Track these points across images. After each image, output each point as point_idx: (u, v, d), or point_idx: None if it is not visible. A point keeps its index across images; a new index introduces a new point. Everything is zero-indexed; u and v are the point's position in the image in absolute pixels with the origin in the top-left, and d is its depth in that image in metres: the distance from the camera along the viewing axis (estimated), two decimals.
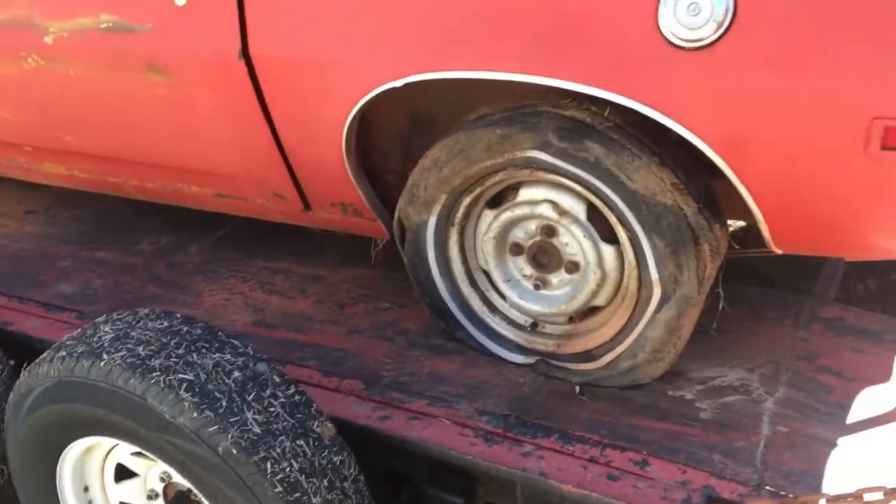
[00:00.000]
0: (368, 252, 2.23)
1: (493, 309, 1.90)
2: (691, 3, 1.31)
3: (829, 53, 1.27)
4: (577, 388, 1.78)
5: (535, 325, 1.88)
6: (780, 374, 1.79)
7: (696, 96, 1.37)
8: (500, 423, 1.69)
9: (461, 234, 1.85)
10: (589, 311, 1.81)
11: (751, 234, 1.83)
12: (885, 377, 1.79)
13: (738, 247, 1.65)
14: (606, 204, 1.61)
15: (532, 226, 1.76)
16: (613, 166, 1.55)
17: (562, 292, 1.79)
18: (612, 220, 1.63)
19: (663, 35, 1.35)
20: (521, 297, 1.84)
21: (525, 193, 1.73)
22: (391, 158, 1.99)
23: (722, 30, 1.31)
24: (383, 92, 1.63)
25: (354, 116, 1.70)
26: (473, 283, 1.90)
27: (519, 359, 1.87)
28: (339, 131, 1.74)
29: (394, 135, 1.96)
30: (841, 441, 1.61)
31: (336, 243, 2.42)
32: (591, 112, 1.55)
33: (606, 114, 1.54)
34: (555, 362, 1.84)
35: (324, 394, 1.82)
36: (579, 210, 1.68)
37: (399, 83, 1.58)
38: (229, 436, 1.39)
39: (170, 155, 2.07)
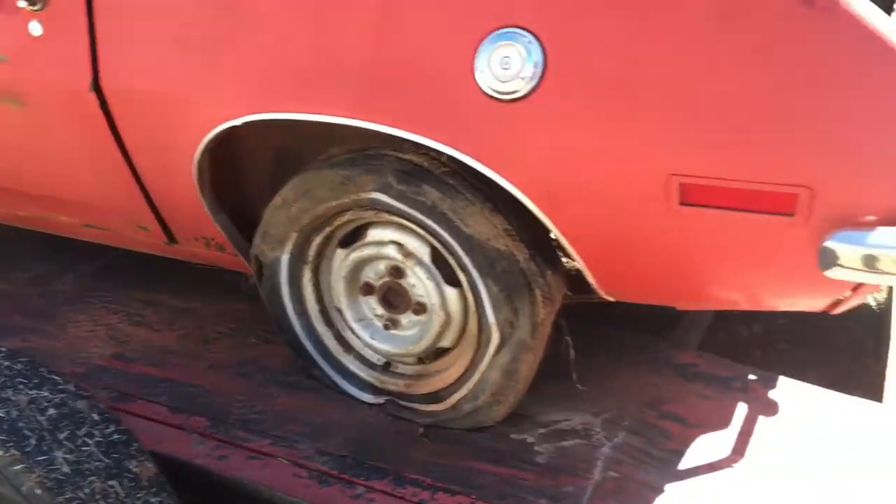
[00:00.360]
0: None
1: (347, 348, 1.90)
2: (504, 57, 1.34)
3: (629, 110, 1.30)
4: (421, 430, 1.78)
5: (387, 364, 1.88)
6: (623, 420, 1.81)
7: (513, 147, 1.39)
8: (337, 465, 1.68)
9: (315, 272, 1.85)
10: (438, 353, 1.81)
11: None
12: (724, 424, 1.83)
13: (570, 294, 1.67)
14: (445, 247, 1.63)
15: (381, 266, 1.77)
16: (449, 211, 1.57)
17: (411, 333, 1.80)
18: (452, 263, 1.65)
19: (480, 86, 1.38)
20: (372, 337, 1.84)
21: (373, 234, 1.74)
22: (260, 194, 1.99)
23: (532, 83, 1.34)
24: (249, 127, 1.63)
25: (203, 153, 1.70)
26: (328, 322, 1.89)
27: (370, 398, 1.87)
28: (190, 167, 1.74)
29: (262, 170, 1.96)
30: (668, 487, 1.64)
31: (214, 276, 2.39)
32: (428, 157, 1.57)
33: (443, 159, 1.56)
34: (404, 403, 1.84)
35: (167, 431, 1.80)
36: (423, 252, 1.69)
37: (238, 122, 1.59)
38: (34, 475, 1.36)
39: (34, 184, 2.05)
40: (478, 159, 1.41)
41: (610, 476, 1.65)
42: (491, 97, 1.37)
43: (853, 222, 1.21)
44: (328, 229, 1.77)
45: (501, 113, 1.37)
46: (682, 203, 1.31)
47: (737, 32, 1.23)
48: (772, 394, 1.94)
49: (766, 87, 1.22)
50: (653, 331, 2.19)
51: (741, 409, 1.87)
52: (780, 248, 1.31)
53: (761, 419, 1.86)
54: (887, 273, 1.19)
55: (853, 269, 1.21)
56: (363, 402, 1.87)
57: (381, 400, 1.86)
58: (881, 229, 1.19)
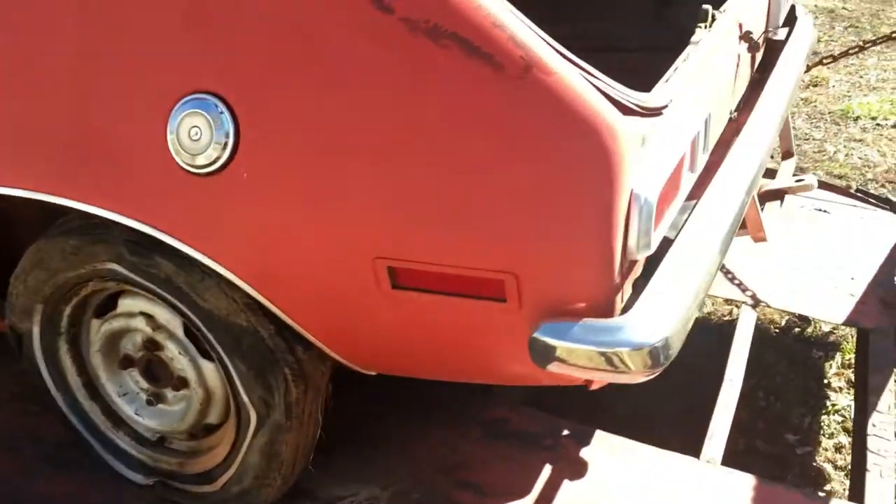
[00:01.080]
0: None
1: (118, 423, 1.73)
2: (193, 127, 1.19)
3: (327, 189, 1.16)
4: None
5: (161, 440, 1.72)
6: (413, 492, 1.68)
7: (212, 224, 1.24)
8: None
9: (74, 343, 1.68)
10: (210, 428, 1.66)
11: None
12: (525, 490, 1.70)
13: (323, 369, 1.52)
14: (191, 322, 1.48)
15: (138, 338, 1.61)
16: (184, 284, 1.41)
17: (178, 408, 1.64)
18: (201, 338, 1.50)
19: (175, 160, 1.22)
20: (136, 413, 1.68)
21: (124, 304, 1.58)
22: None
23: (226, 156, 1.19)
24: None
25: None
26: (95, 396, 1.72)
27: (140, 479, 1.71)
28: None
29: (33, 231, 1.79)
30: None
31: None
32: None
33: None
34: (176, 484, 1.68)
35: None
36: (175, 325, 1.54)
37: None
38: None
39: None
40: (175, 237, 1.26)
41: None
42: (185, 170, 1.22)
43: (561, 312, 1.08)
44: (76, 299, 1.60)
45: (197, 187, 1.22)
46: (395, 286, 1.17)
47: (420, 108, 1.08)
48: (583, 452, 1.82)
49: (463, 167, 1.08)
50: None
51: (546, 471, 1.75)
52: (504, 334, 1.18)
53: (566, 482, 1.74)
54: (584, 367, 1.06)
55: (559, 361, 1.07)
56: (135, 483, 1.71)
57: (150, 481, 1.70)
58: (585, 322, 1.07)
